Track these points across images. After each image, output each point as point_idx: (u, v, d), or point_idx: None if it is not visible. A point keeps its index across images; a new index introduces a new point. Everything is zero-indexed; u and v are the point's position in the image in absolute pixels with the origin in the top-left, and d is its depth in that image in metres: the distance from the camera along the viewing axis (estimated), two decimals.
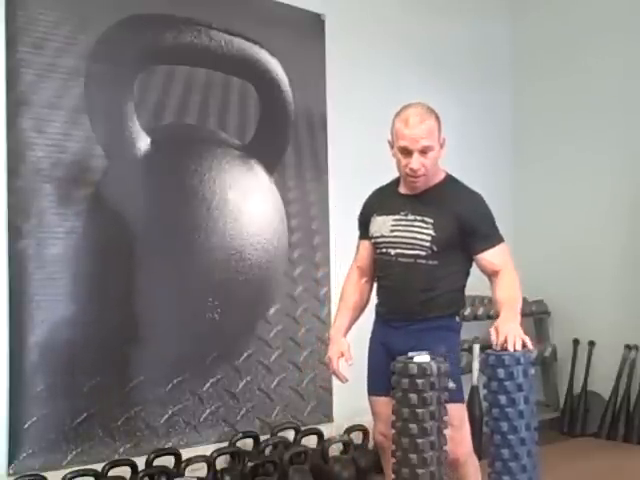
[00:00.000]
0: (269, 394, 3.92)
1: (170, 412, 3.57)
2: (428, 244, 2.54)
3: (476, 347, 4.38)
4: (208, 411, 3.70)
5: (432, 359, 2.23)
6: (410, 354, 2.23)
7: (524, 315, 4.84)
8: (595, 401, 4.78)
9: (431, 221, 2.55)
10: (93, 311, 3.35)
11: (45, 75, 3.25)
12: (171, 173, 3.65)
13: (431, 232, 2.54)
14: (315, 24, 4.19)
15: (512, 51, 5.38)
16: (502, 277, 2.55)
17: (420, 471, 2.14)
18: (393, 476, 2.23)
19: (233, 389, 3.79)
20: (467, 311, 4.43)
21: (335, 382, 3.99)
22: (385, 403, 2.59)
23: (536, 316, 5.08)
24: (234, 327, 3.82)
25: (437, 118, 2.58)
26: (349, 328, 2.76)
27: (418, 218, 2.57)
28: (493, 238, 2.61)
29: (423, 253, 2.56)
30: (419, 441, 2.14)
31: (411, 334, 2.58)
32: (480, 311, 4.63)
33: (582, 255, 4.92)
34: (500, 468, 2.32)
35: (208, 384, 3.70)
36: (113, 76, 3.42)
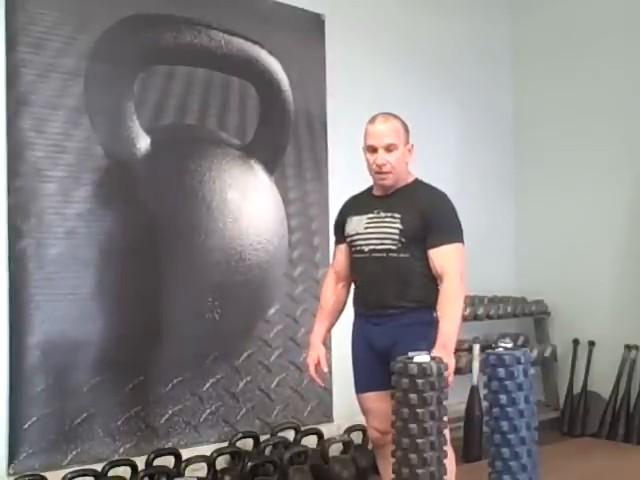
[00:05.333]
0: (269, 394, 3.92)
1: (170, 412, 3.57)
2: (397, 237, 2.66)
3: (476, 347, 4.38)
4: (208, 411, 3.70)
5: (432, 359, 2.23)
6: (410, 354, 2.23)
7: (524, 315, 4.92)
8: (595, 401, 4.77)
9: (399, 216, 2.67)
10: (93, 311, 3.36)
11: (45, 75, 3.25)
12: (171, 173, 3.65)
13: (399, 225, 2.66)
14: (315, 24, 4.20)
15: (512, 50, 5.38)
16: (443, 292, 2.60)
17: (420, 471, 2.14)
18: (393, 476, 2.23)
19: (233, 389, 3.79)
20: (467, 311, 4.44)
21: (335, 382, 4.00)
22: (375, 398, 2.71)
23: (536, 316, 5.09)
24: (234, 327, 3.82)
25: (404, 124, 2.74)
26: (327, 333, 2.91)
27: (388, 214, 2.69)
28: (446, 236, 2.64)
29: (394, 247, 2.66)
30: (419, 441, 2.13)
31: (391, 330, 2.66)
32: (480, 311, 4.63)
33: (582, 255, 4.92)
34: (500, 467, 2.33)
35: (208, 384, 3.70)
36: (113, 76, 3.43)
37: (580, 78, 4.98)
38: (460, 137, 5.05)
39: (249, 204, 3.88)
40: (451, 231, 2.67)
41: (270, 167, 3.99)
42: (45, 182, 3.23)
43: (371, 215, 2.72)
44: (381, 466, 2.88)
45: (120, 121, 3.44)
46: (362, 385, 2.79)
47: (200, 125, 3.78)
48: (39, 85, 3.23)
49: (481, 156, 5.14)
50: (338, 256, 2.88)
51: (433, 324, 2.65)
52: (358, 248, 2.75)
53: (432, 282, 2.66)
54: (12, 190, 3.16)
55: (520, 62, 5.36)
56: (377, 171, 2.70)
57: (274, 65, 3.98)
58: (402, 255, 2.65)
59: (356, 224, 2.76)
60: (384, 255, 2.67)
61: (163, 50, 3.60)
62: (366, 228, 2.72)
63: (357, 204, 2.83)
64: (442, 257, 2.61)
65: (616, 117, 4.79)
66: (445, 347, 2.47)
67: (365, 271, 2.75)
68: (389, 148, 2.67)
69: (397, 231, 2.65)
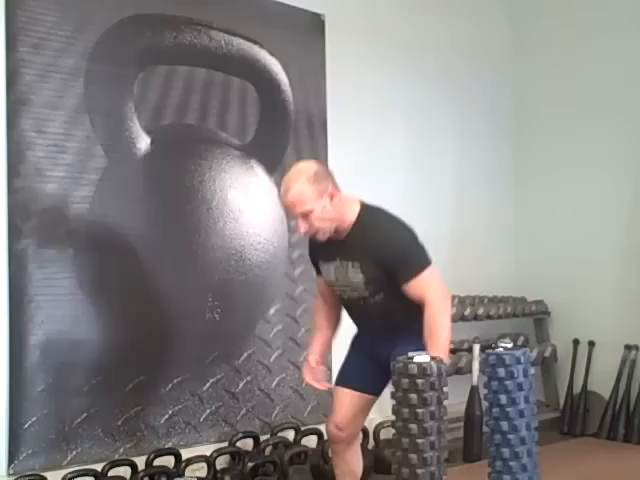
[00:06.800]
0: (269, 394, 3.92)
1: (170, 412, 3.57)
2: (364, 286, 2.64)
3: (476, 347, 4.37)
4: (208, 411, 3.70)
5: (432, 359, 2.23)
6: (410, 354, 2.23)
7: (524, 315, 4.92)
8: (595, 401, 4.78)
9: (358, 264, 2.62)
10: (93, 311, 3.35)
11: (45, 75, 3.25)
12: (171, 173, 3.65)
13: (361, 276, 2.63)
14: (315, 24, 4.19)
15: (512, 49, 5.38)
16: (426, 321, 2.54)
17: (420, 471, 2.14)
18: (393, 476, 2.24)
19: (233, 389, 3.79)
20: (467, 311, 4.43)
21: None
22: (352, 395, 2.77)
23: (536, 316, 5.09)
24: (234, 327, 3.82)
25: (312, 177, 2.53)
26: (323, 350, 2.91)
27: (349, 264, 2.64)
28: (411, 269, 2.58)
29: (366, 293, 2.66)
30: (419, 441, 2.13)
31: (385, 342, 2.68)
32: (480, 311, 4.62)
33: (582, 255, 4.92)
34: (500, 467, 2.33)
35: (208, 384, 3.70)
36: (113, 76, 3.42)
37: (581, 75, 4.98)
38: (460, 137, 5.04)
39: (249, 204, 3.88)
40: (414, 261, 2.60)
41: (270, 167, 3.99)
42: (45, 182, 3.23)
43: (336, 264, 2.68)
44: (334, 463, 2.93)
45: (120, 121, 3.44)
46: (344, 378, 2.84)
47: (200, 125, 3.78)
48: (39, 85, 3.23)
49: (481, 154, 5.14)
50: (319, 282, 2.90)
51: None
52: (338, 293, 2.78)
53: (415, 308, 2.59)
54: (12, 190, 3.16)
55: (520, 61, 5.35)
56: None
57: (274, 65, 3.97)
58: (377, 298, 2.65)
59: (326, 272, 2.75)
60: (360, 302, 2.69)
61: (163, 50, 3.59)
62: (336, 279, 2.71)
63: (319, 248, 2.75)
64: (415, 289, 2.57)
65: (618, 116, 4.79)
66: None
67: (351, 311, 2.82)
68: (304, 215, 2.54)
69: (362, 281, 2.63)
